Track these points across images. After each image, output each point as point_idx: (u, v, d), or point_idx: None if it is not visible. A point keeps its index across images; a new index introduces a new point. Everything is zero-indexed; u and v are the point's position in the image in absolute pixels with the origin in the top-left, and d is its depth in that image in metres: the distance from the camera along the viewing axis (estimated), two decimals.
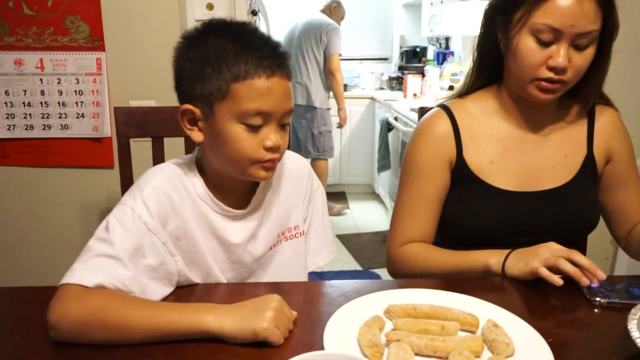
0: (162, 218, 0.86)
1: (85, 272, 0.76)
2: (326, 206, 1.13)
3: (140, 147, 1.50)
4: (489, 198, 1.07)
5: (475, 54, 1.13)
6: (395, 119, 3.46)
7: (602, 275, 0.87)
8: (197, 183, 0.91)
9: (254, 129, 0.83)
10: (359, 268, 3.10)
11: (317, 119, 3.70)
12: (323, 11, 3.85)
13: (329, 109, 3.73)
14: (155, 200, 0.85)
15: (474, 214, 1.08)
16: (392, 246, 1.13)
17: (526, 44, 0.97)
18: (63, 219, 1.87)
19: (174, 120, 1.35)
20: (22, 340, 0.76)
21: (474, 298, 0.84)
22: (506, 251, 0.97)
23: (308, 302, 0.88)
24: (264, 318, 0.71)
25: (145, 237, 0.83)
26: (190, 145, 1.38)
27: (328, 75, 3.66)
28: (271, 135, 0.85)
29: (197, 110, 0.85)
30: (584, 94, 1.08)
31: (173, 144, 1.42)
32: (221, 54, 0.82)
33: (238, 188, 0.95)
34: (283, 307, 0.75)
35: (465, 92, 1.15)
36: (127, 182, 1.37)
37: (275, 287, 0.92)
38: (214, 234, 0.92)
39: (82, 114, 1.78)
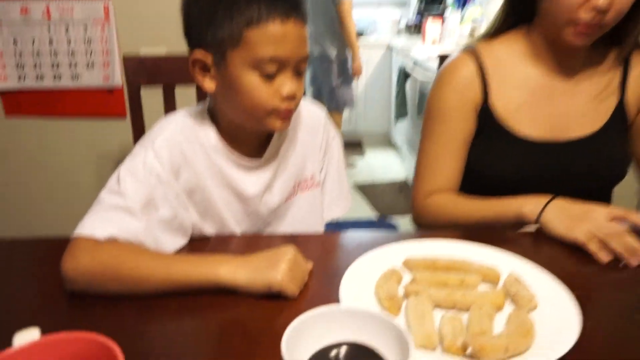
0: (174, 169, 0.83)
1: (97, 224, 0.74)
2: (342, 157, 1.09)
3: (152, 96, 1.46)
4: (514, 146, 1.03)
5: None
6: (414, 63, 3.35)
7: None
8: (209, 133, 0.88)
9: (268, 77, 0.79)
10: (375, 218, 3.10)
11: (333, 71, 3.56)
12: None
13: (345, 59, 3.56)
14: (167, 151, 0.83)
15: (498, 162, 1.04)
16: (417, 197, 1.09)
17: None
18: (76, 170, 1.87)
19: (185, 69, 1.31)
20: (37, 293, 0.76)
21: (496, 250, 0.82)
22: (544, 199, 0.91)
23: (324, 254, 0.86)
24: (278, 270, 0.70)
25: (158, 189, 0.81)
26: (202, 94, 1.34)
27: (340, 23, 3.49)
28: (287, 83, 0.81)
29: (208, 58, 0.81)
30: (622, 39, 1.01)
31: (185, 93, 1.38)
32: (236, 0, 0.77)
33: (252, 138, 0.92)
34: (298, 259, 0.74)
35: (494, 32, 1.08)
36: (138, 132, 1.34)
37: (291, 239, 0.91)
38: (228, 185, 0.90)
39: (92, 63, 1.74)
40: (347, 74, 3.59)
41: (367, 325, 0.56)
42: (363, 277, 0.74)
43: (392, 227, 2.94)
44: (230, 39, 0.77)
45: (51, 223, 1.92)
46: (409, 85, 3.56)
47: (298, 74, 0.83)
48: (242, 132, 0.89)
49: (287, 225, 0.99)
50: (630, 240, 0.82)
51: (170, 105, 1.33)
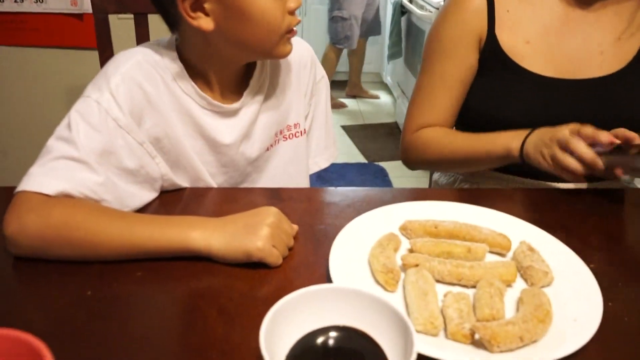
0: (135, 114, 0.72)
1: (45, 177, 0.64)
2: (329, 100, 0.99)
3: (124, 25, 1.32)
4: (522, 84, 0.93)
5: None
6: (410, 1, 3.15)
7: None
8: (177, 72, 0.76)
9: None
10: (363, 161, 3.01)
11: (331, 2, 3.40)
12: None
13: None
14: (125, 92, 0.71)
15: (503, 101, 0.94)
16: (406, 131, 1.02)
17: None
18: (44, 104, 1.72)
19: None
20: None
21: (504, 214, 0.73)
22: (525, 132, 0.84)
23: (311, 213, 0.77)
24: (258, 236, 0.61)
25: (117, 137, 0.69)
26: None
27: None
28: None
29: None
30: None
31: (159, 22, 1.23)
32: None
33: (228, 78, 0.80)
34: (281, 222, 0.65)
35: None
36: None
37: (274, 193, 0.81)
38: (200, 132, 0.79)
39: None
40: (346, 9, 3.39)
41: (360, 307, 0.48)
42: (356, 243, 0.65)
43: (381, 170, 2.87)
44: None
45: (17, 162, 1.79)
46: (404, 21, 3.37)
47: None
48: (216, 70, 0.78)
49: (268, 177, 0.90)
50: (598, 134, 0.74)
51: (143, 36, 1.19)
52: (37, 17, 1.61)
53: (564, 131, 0.77)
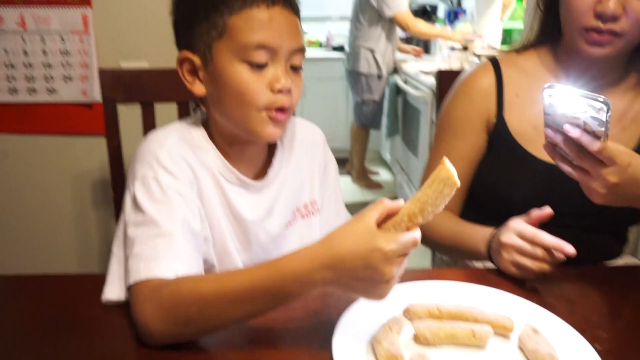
0: (188, 182, 0.77)
1: (142, 264, 0.67)
2: (338, 181, 1.02)
3: (130, 114, 1.37)
4: (527, 169, 0.95)
5: (541, 1, 0.98)
6: (405, 82, 3.29)
7: (571, 250, 0.75)
8: (207, 147, 0.81)
9: (258, 67, 0.74)
10: None
11: (360, 86, 3.49)
12: None
13: (379, 76, 3.46)
14: (175, 164, 0.76)
15: (509, 183, 0.96)
16: None
17: None
18: (53, 189, 1.75)
19: (165, 84, 1.23)
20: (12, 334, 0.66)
21: (507, 293, 0.73)
22: (491, 231, 0.86)
23: (313, 297, 0.77)
24: (383, 294, 0.58)
25: (182, 205, 0.73)
26: (183, 113, 1.26)
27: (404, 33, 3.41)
28: (279, 75, 0.74)
29: (195, 57, 0.76)
30: None
31: (164, 111, 1.29)
32: None
33: (251, 156, 0.85)
34: (391, 260, 0.56)
35: (522, 47, 1.02)
36: (114, 152, 1.25)
37: None
38: (228, 206, 0.82)
39: (70, 76, 1.64)
40: (375, 93, 3.51)
41: None
42: (359, 328, 0.65)
43: None
44: (215, 29, 0.73)
45: (27, 245, 1.80)
46: (400, 101, 3.50)
47: (293, 69, 0.77)
48: (239, 147, 0.83)
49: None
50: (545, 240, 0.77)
51: (148, 124, 1.24)
52: (49, 107, 1.68)
53: (509, 235, 0.79)
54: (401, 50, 3.82)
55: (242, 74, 0.73)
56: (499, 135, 0.98)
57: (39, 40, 1.61)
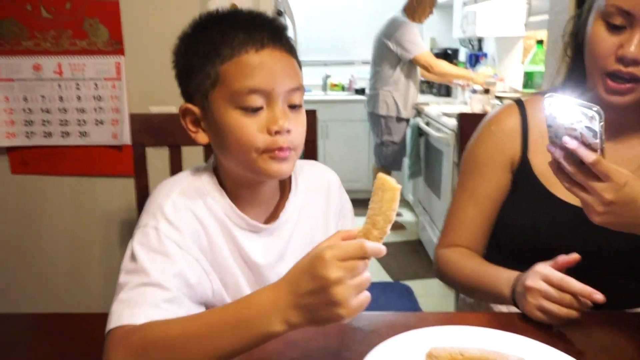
0: (190, 234, 0.77)
1: (122, 310, 0.67)
2: (353, 221, 1.02)
3: (158, 156, 1.42)
4: (551, 210, 0.94)
5: (568, 48, 0.99)
6: (427, 124, 3.32)
7: (600, 297, 0.74)
8: (216, 194, 0.82)
9: (253, 111, 0.74)
10: (388, 279, 2.97)
11: (380, 128, 3.55)
12: (406, 8, 3.45)
13: (399, 118, 3.51)
14: (179, 216, 0.77)
15: (533, 224, 0.96)
16: (437, 245, 1.06)
17: (595, 29, 0.85)
18: (82, 228, 1.80)
19: None
20: None
21: (532, 340, 0.72)
22: (516, 274, 0.84)
23: (335, 338, 0.77)
24: (337, 305, 0.56)
25: (179, 257, 0.74)
26: (209, 155, 1.29)
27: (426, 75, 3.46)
28: (276, 117, 0.74)
29: (195, 108, 0.78)
30: None
31: (191, 153, 1.33)
32: (209, 40, 0.76)
33: (262, 199, 0.85)
34: (346, 270, 0.56)
35: (548, 91, 1.03)
36: (142, 192, 1.29)
37: None
38: (239, 252, 0.83)
39: (101, 120, 1.71)
40: (395, 135, 3.54)
41: None
42: None
43: (407, 289, 2.81)
44: (208, 79, 0.75)
45: (56, 281, 1.83)
46: (422, 142, 3.52)
47: (293, 107, 0.77)
48: (250, 190, 0.83)
49: None
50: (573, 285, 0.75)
51: (176, 166, 1.28)
52: (81, 149, 1.74)
53: (535, 279, 0.78)
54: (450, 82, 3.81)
55: (237, 120, 0.74)
56: (523, 176, 0.98)
57: (74, 87, 1.68)
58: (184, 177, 0.84)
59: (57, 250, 1.81)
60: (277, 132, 0.74)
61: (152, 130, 1.26)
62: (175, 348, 0.60)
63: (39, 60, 1.65)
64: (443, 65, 3.49)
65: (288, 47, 0.78)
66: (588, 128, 0.67)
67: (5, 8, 1.60)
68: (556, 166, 0.74)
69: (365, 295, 0.58)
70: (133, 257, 0.72)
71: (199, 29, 0.79)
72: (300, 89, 0.78)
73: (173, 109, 1.68)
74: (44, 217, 1.79)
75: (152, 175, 1.29)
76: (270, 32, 0.76)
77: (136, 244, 0.73)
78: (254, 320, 0.59)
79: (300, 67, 0.80)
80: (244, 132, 0.74)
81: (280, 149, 0.75)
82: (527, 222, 0.96)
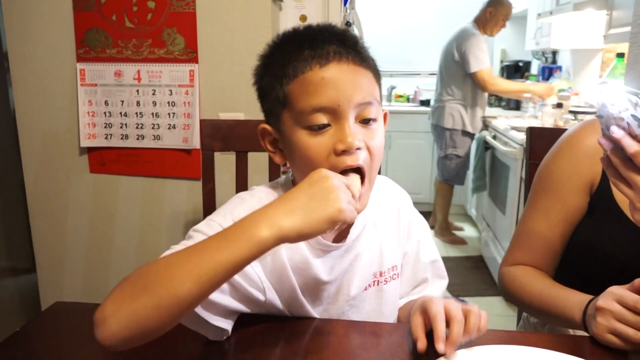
0: None
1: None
2: (426, 237, 0.98)
3: (226, 160, 1.47)
4: (631, 238, 0.88)
5: None
6: (494, 137, 3.23)
7: None
8: None
9: (319, 129, 0.71)
10: (447, 295, 2.90)
11: (444, 141, 3.50)
12: (477, 20, 3.39)
13: (464, 132, 3.44)
14: None
15: (609, 249, 0.90)
16: (503, 262, 1.02)
17: None
18: (150, 227, 1.89)
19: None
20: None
21: None
22: (589, 297, 0.80)
23: (404, 349, 0.76)
24: (333, 200, 0.61)
25: None
26: (273, 162, 1.32)
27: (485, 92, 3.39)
28: (342, 135, 0.70)
29: (271, 129, 0.78)
30: None
31: (257, 158, 1.37)
32: (278, 60, 0.75)
33: None
34: (338, 177, 0.65)
35: None
36: (209, 195, 1.33)
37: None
38: (305, 268, 0.82)
39: (174, 125, 1.80)
40: (459, 148, 3.49)
41: None
42: None
43: None
44: (278, 100, 0.74)
45: (114, 278, 1.93)
46: (488, 156, 3.42)
47: (365, 122, 0.73)
48: None
49: (363, 317, 0.89)
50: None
51: (242, 171, 1.32)
52: (154, 152, 1.84)
53: (607, 300, 0.74)
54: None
55: (303, 140, 0.72)
56: (602, 201, 0.92)
57: (150, 93, 1.78)
58: (262, 189, 0.84)
59: (127, 247, 1.91)
60: (343, 152, 0.70)
61: (220, 135, 1.30)
62: (164, 266, 0.59)
63: (121, 67, 1.77)
64: (499, 83, 3.37)
65: (359, 59, 0.73)
66: (634, 117, 0.62)
67: (93, 19, 1.73)
68: (607, 160, 0.69)
69: None
70: (189, 237, 0.72)
71: (271, 49, 0.79)
72: (373, 102, 0.73)
73: (241, 116, 1.74)
74: (116, 214, 1.90)
75: (218, 178, 1.34)
76: (337, 45, 0.72)
77: (194, 231, 0.73)
78: (240, 227, 0.60)
79: (378, 77, 0.77)
80: (310, 154, 0.72)
81: (349, 168, 0.71)
82: (604, 247, 0.91)
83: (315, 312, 0.85)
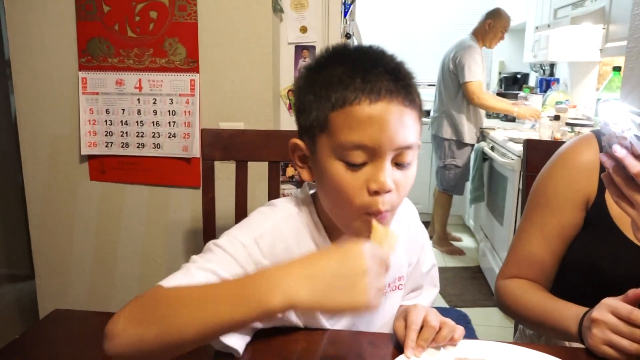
0: (274, 260, 0.75)
1: (164, 280, 0.69)
2: (429, 257, 1.01)
3: (225, 169, 1.48)
4: (626, 254, 0.89)
5: None
6: (492, 148, 3.24)
7: None
8: (314, 226, 0.81)
9: (355, 166, 0.69)
10: (445, 305, 2.90)
11: (443, 151, 3.52)
12: (476, 32, 3.42)
13: (463, 142, 3.46)
14: (269, 242, 0.77)
15: (604, 266, 0.91)
16: (499, 275, 1.03)
17: None
18: (151, 235, 1.90)
19: (258, 144, 1.33)
20: None
21: None
22: (585, 310, 0.80)
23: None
24: (359, 291, 0.56)
25: (249, 267, 0.74)
26: (274, 171, 1.33)
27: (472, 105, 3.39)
28: (377, 175, 0.68)
29: (303, 145, 0.77)
30: None
31: (257, 168, 1.38)
32: (326, 80, 0.71)
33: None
34: (375, 264, 0.59)
35: None
36: (209, 203, 1.34)
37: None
38: None
39: (174, 134, 1.81)
40: (458, 158, 3.50)
41: None
42: None
43: (464, 317, 2.73)
44: (318, 122, 0.71)
45: (115, 285, 1.94)
46: (486, 167, 3.44)
47: (399, 165, 0.71)
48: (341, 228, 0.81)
49: (376, 325, 0.90)
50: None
51: (242, 180, 1.33)
52: (153, 160, 1.85)
53: (602, 311, 0.74)
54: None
55: (338, 172, 0.70)
56: (598, 217, 0.92)
57: (151, 101, 1.80)
58: (285, 205, 0.83)
59: (128, 254, 1.91)
60: (376, 192, 0.69)
61: (220, 144, 1.31)
62: (174, 304, 0.60)
63: (122, 76, 1.78)
64: (486, 98, 3.37)
65: (409, 100, 0.70)
66: (637, 137, 0.63)
67: (95, 28, 1.75)
68: (609, 178, 0.69)
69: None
70: (210, 251, 0.73)
71: (318, 66, 0.75)
72: (412, 147, 0.71)
73: (241, 125, 1.75)
74: (116, 222, 1.90)
75: (217, 187, 1.35)
76: (389, 81, 0.69)
77: (215, 245, 0.74)
78: (254, 288, 0.57)
79: (421, 116, 0.75)
80: (342, 187, 0.70)
81: (378, 212, 0.70)
82: (599, 263, 0.91)
83: (330, 323, 0.86)
